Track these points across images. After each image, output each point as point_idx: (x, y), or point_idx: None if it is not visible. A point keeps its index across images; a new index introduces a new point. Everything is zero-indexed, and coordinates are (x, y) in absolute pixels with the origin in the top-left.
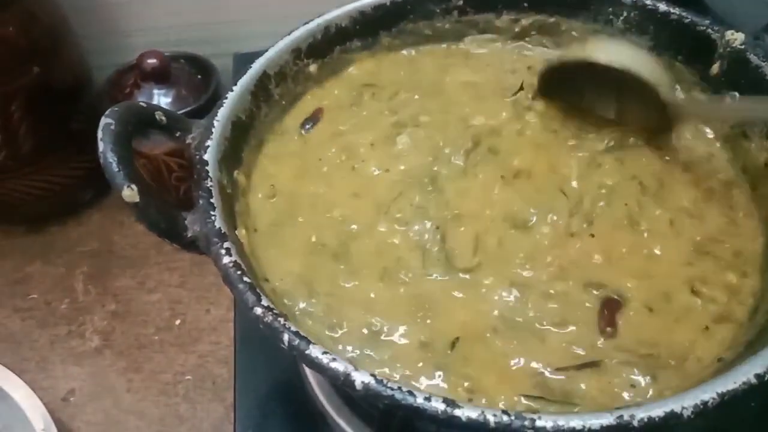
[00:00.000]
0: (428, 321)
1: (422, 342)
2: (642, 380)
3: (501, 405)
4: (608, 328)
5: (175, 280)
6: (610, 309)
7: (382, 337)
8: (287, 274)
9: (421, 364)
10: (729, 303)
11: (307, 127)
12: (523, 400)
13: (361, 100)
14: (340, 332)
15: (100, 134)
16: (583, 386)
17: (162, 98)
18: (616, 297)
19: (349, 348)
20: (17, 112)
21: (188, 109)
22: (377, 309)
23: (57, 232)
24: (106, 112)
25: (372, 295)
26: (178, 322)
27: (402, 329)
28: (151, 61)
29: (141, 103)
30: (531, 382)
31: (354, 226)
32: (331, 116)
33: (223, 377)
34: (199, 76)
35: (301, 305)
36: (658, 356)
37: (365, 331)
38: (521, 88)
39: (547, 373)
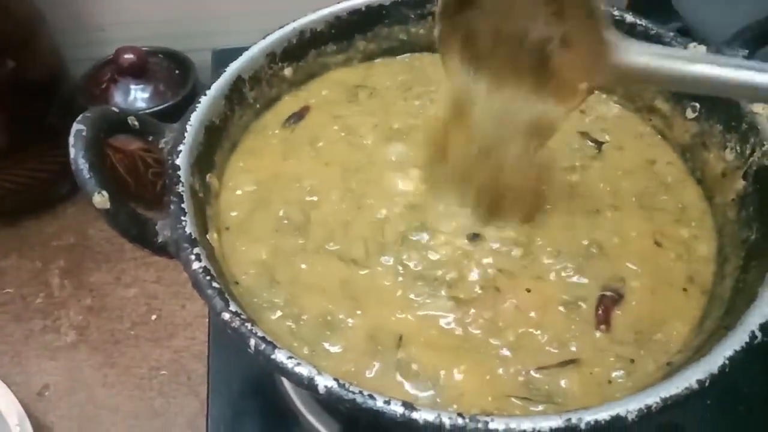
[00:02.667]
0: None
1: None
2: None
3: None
4: (602, 326)
5: (151, 276)
6: (606, 306)
7: (341, 326)
8: (252, 264)
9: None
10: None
11: (292, 122)
12: (513, 400)
13: (357, 98)
14: (301, 322)
15: (71, 140)
16: (563, 383)
17: (139, 94)
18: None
19: (309, 338)
20: None
21: (166, 105)
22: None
23: (32, 226)
24: (78, 118)
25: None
26: (153, 317)
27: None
28: (128, 56)
29: (113, 109)
30: (516, 382)
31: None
32: (323, 110)
33: (198, 372)
34: (177, 72)
35: (264, 296)
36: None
37: (321, 320)
38: None
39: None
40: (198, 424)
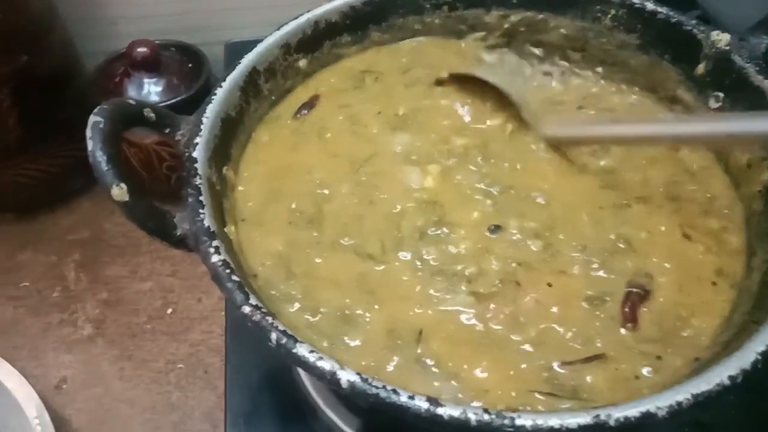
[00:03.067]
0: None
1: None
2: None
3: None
4: (629, 324)
5: (166, 269)
6: (633, 303)
7: (359, 320)
8: (269, 255)
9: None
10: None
11: (304, 112)
12: (537, 396)
13: (363, 84)
14: (319, 316)
15: (89, 133)
16: (589, 379)
17: (152, 87)
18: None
19: (328, 331)
20: (6, 101)
21: (179, 98)
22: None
23: (47, 220)
24: (95, 110)
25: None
26: (169, 311)
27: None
28: (142, 49)
29: (130, 101)
30: (540, 378)
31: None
32: (331, 99)
33: (215, 366)
34: (190, 65)
35: (282, 288)
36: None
37: (339, 313)
38: None
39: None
40: (215, 417)
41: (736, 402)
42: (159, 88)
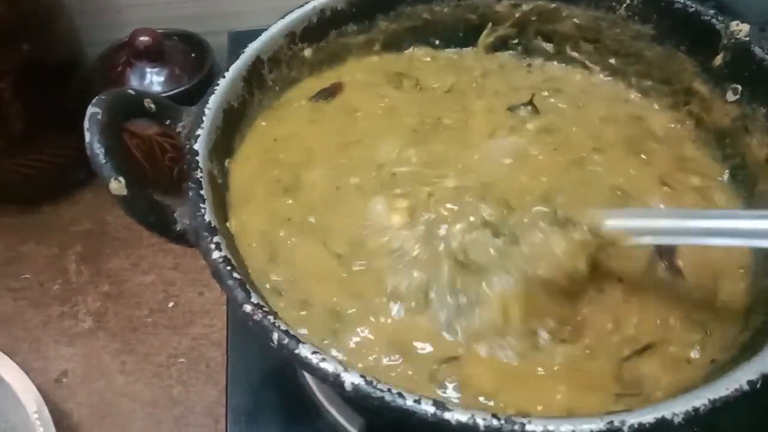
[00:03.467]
0: None
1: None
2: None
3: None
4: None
5: (168, 262)
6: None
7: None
8: (256, 235)
9: None
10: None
11: (321, 98)
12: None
13: (401, 85)
14: (310, 311)
15: (86, 124)
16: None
17: (155, 77)
18: None
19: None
20: (8, 91)
21: (182, 88)
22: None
23: (50, 212)
24: (93, 101)
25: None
26: (171, 304)
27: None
28: (144, 38)
29: (129, 91)
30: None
31: None
32: (362, 88)
33: (217, 360)
34: (193, 55)
35: (272, 279)
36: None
37: (330, 311)
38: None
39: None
40: (217, 412)
41: (746, 404)
42: (161, 78)
